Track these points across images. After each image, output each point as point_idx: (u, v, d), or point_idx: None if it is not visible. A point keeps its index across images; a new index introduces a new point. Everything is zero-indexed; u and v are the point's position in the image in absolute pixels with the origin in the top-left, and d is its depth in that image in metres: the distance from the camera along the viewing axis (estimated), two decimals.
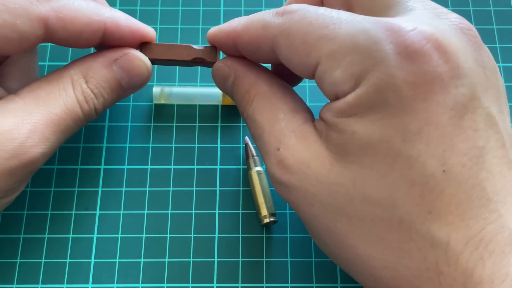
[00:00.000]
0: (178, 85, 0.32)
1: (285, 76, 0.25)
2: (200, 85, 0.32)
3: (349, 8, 0.23)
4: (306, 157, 0.21)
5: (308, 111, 0.23)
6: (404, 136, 0.18)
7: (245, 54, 0.24)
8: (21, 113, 0.23)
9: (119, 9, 0.33)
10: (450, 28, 0.20)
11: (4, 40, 0.22)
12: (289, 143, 0.21)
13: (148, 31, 0.26)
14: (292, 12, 0.21)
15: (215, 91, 0.31)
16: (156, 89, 0.31)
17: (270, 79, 0.24)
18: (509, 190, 0.19)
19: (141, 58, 0.25)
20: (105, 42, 0.25)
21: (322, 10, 0.21)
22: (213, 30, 0.25)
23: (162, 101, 0.31)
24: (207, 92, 0.31)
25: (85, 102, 0.24)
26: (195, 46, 0.26)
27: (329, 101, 0.21)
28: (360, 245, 0.20)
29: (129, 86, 0.26)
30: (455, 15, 0.21)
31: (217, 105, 0.31)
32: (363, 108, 0.19)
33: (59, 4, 0.23)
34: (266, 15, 0.22)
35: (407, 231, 0.18)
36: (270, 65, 0.27)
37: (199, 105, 0.31)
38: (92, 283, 0.27)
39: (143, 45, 0.26)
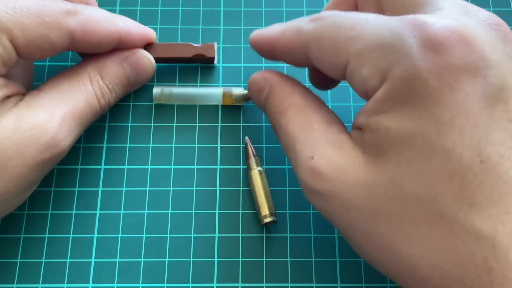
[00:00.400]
0: (178, 85, 0.32)
1: (321, 80, 0.27)
2: (200, 85, 0.32)
3: (380, 11, 0.24)
4: (341, 163, 0.21)
5: (342, 124, 0.23)
6: (437, 127, 0.18)
7: (281, 58, 0.25)
8: (49, 107, 0.24)
9: (119, 9, 0.33)
10: (477, 24, 0.20)
11: (36, 50, 0.24)
12: (323, 151, 0.21)
13: (152, 34, 0.30)
14: (323, 18, 0.22)
15: (215, 91, 0.31)
16: (156, 90, 0.31)
17: (305, 93, 0.25)
18: None
19: (147, 56, 0.29)
20: (117, 47, 0.28)
21: (351, 14, 0.21)
22: (255, 35, 0.26)
23: (162, 102, 0.31)
24: (207, 92, 0.31)
25: (102, 97, 0.26)
26: (194, 44, 0.31)
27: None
28: (403, 246, 0.19)
29: (135, 82, 0.29)
30: (484, 12, 0.21)
31: (217, 105, 0.31)
32: (393, 102, 0.19)
33: (83, 17, 0.25)
34: (301, 22, 0.23)
35: (451, 226, 0.18)
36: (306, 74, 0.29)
37: (199, 105, 0.31)
38: (92, 283, 0.27)
39: (147, 45, 0.30)
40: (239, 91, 0.30)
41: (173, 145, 0.30)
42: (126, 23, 0.28)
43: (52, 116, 0.24)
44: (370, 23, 0.20)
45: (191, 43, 0.31)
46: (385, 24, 0.20)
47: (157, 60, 0.30)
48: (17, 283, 0.27)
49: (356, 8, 0.26)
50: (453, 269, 0.18)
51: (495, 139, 0.18)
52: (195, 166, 0.30)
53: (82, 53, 0.29)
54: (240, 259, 0.28)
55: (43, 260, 0.28)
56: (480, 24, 0.20)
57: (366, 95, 0.21)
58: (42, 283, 0.27)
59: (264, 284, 0.27)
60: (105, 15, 0.26)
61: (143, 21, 0.33)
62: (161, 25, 0.33)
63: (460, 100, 0.18)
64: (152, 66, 0.29)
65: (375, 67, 0.20)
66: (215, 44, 0.31)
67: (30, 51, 0.24)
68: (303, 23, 0.23)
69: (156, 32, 0.33)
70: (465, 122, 0.18)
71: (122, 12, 0.34)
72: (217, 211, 0.29)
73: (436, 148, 0.18)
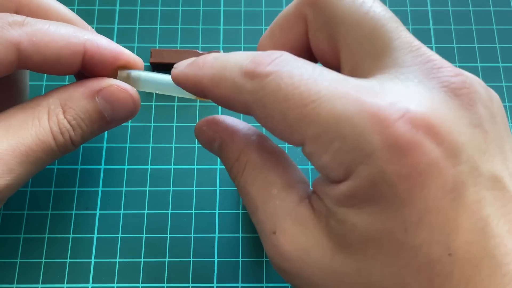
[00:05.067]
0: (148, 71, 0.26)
1: None
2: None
3: (333, 49, 0.21)
4: (304, 244, 0.20)
5: (303, 182, 0.21)
6: (405, 227, 0.18)
7: (219, 104, 0.22)
8: None
9: (119, 9, 0.33)
10: (441, 97, 0.18)
11: None
12: (285, 227, 0.20)
13: (128, 54, 0.24)
14: (262, 77, 0.19)
15: None
16: (121, 74, 0.25)
17: (261, 144, 0.22)
18: None
19: (126, 90, 0.24)
20: (86, 66, 0.24)
21: (297, 76, 0.19)
22: (176, 73, 0.22)
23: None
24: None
25: (60, 134, 0.23)
26: (200, 51, 0.31)
27: None
28: None
29: (113, 119, 0.24)
30: (447, 69, 0.19)
31: (217, 105, 0.31)
32: (360, 200, 0.18)
33: (33, 28, 0.22)
34: (235, 73, 0.20)
35: None
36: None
37: (199, 105, 0.31)
38: (92, 283, 0.27)
39: (153, 51, 0.30)
40: None
41: (173, 145, 0.30)
42: (95, 37, 0.23)
43: None
44: (324, 101, 0.18)
45: (196, 50, 0.31)
46: (342, 109, 0.18)
47: (162, 66, 0.31)
48: (17, 283, 0.27)
49: (306, 35, 0.22)
50: None
51: (464, 228, 0.17)
52: (195, 166, 0.30)
53: (53, 74, 0.25)
54: (240, 259, 0.28)
55: (43, 260, 0.28)
56: (443, 95, 0.18)
57: (326, 177, 0.19)
58: (42, 283, 0.27)
59: (264, 284, 0.27)
60: (66, 27, 0.23)
61: (142, 21, 0.33)
62: (161, 25, 0.33)
63: (429, 197, 0.17)
64: (133, 101, 0.24)
65: (337, 160, 0.18)
66: (221, 51, 0.31)
67: None
68: (239, 78, 0.19)
69: (156, 32, 0.33)
70: (434, 219, 0.17)
71: (122, 12, 0.34)
72: (217, 211, 0.29)
73: (404, 245, 0.18)
